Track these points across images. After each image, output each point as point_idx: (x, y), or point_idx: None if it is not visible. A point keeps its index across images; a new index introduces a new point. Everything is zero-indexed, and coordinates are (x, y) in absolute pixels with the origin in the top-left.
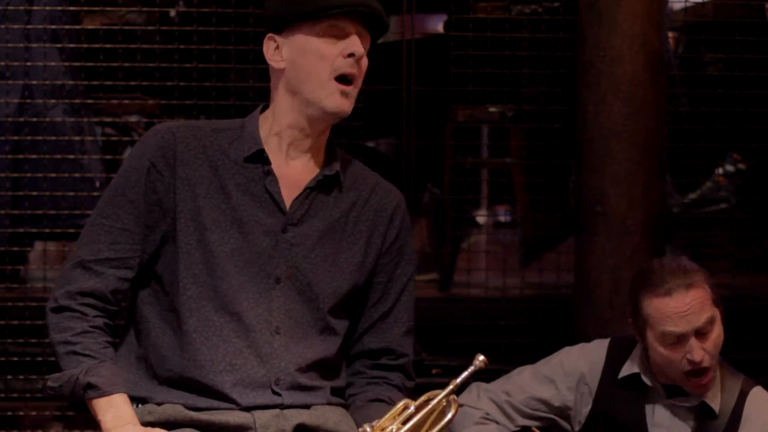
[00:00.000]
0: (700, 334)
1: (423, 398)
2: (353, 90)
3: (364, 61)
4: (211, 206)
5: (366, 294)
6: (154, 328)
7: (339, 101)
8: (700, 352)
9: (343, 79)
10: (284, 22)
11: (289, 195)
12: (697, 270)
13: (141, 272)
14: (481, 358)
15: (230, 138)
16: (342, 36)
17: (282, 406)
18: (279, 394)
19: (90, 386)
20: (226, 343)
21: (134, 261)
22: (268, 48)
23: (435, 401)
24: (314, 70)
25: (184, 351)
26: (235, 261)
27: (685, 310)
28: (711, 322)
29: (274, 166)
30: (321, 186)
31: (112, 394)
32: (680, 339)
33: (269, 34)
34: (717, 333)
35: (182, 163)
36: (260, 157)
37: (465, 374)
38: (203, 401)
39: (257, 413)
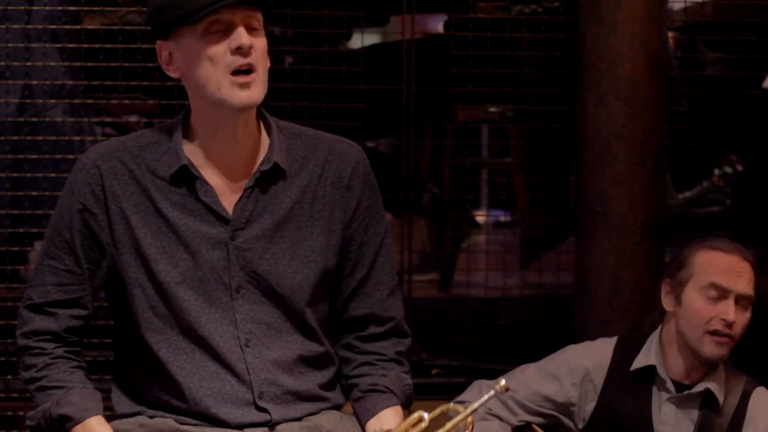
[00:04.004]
0: (738, 304)
1: (437, 412)
2: (255, 76)
3: (259, 43)
4: (152, 234)
5: (341, 266)
6: (133, 356)
7: (241, 95)
8: (734, 312)
9: (239, 72)
10: (166, 28)
11: (229, 200)
12: (752, 255)
13: (110, 303)
14: (503, 383)
15: (158, 153)
16: (226, 30)
17: (270, 423)
18: (266, 410)
19: (63, 418)
20: (201, 368)
21: (85, 299)
22: (161, 58)
23: (451, 424)
24: (207, 74)
25: (164, 381)
26: (188, 284)
27: (738, 270)
28: (749, 300)
29: (206, 174)
30: (262, 182)
31: (85, 419)
32: (722, 295)
33: (158, 42)
34: (748, 316)
35: (113, 197)
36: (187, 172)
37: (485, 398)
38: (194, 422)
39: (248, 430)
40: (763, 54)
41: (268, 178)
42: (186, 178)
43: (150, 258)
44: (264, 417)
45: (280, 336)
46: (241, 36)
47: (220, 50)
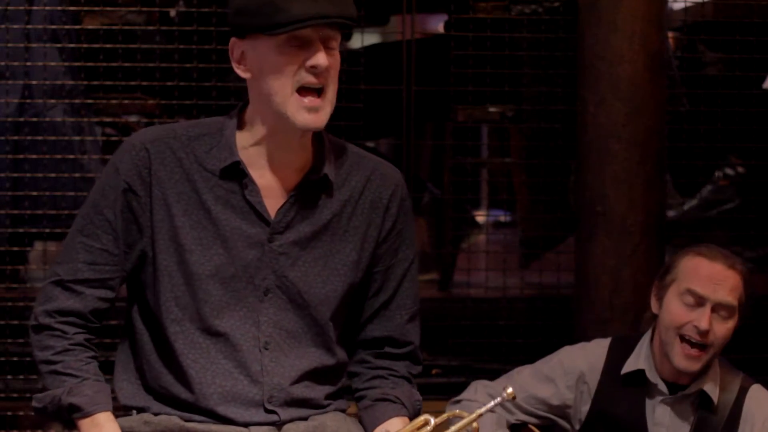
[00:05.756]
0: (717, 313)
1: (444, 417)
2: (322, 101)
3: (333, 63)
4: (191, 224)
5: (366, 285)
6: (146, 343)
7: (306, 118)
8: (707, 322)
9: (308, 89)
10: (245, 30)
11: (273, 203)
12: (742, 264)
13: (130, 286)
14: (509, 390)
15: (207, 146)
16: (304, 45)
17: (278, 423)
18: (274, 412)
19: (73, 407)
20: (215, 364)
21: (114, 281)
22: (233, 55)
23: (456, 426)
24: (276, 84)
25: (176, 373)
26: (218, 279)
27: (718, 279)
28: (731, 310)
29: (254, 174)
30: (307, 191)
31: (95, 413)
32: (698, 303)
33: (233, 39)
34: (729, 326)
35: (158, 182)
36: (236, 169)
37: (491, 404)
38: (199, 418)
39: (254, 428)
40: (763, 54)
41: (315, 188)
42: (235, 174)
43: (186, 247)
44: (272, 418)
45: (299, 345)
46: (319, 56)
47: (294, 65)
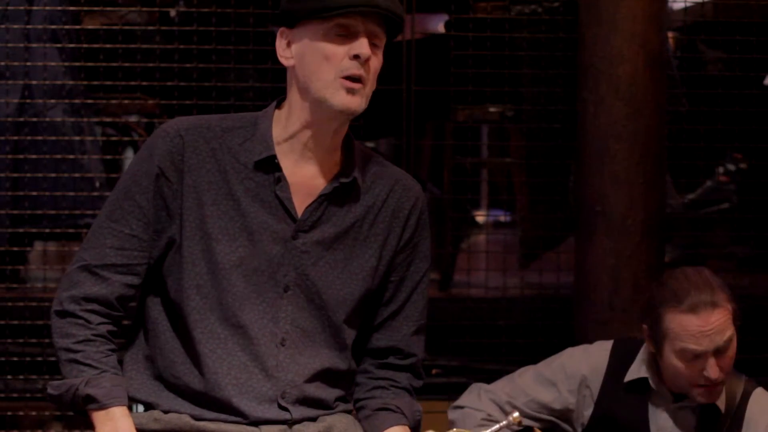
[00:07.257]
0: (719, 352)
1: None
2: (362, 88)
3: (374, 61)
4: (219, 214)
5: (379, 293)
6: (162, 331)
7: (345, 99)
8: (716, 370)
9: (349, 78)
10: (294, 18)
11: (301, 201)
12: (721, 287)
13: (150, 273)
14: (515, 414)
15: (241, 138)
16: (350, 35)
17: (290, 422)
18: (286, 409)
19: (89, 398)
20: (231, 356)
21: (141, 268)
22: (280, 44)
23: None
24: (319, 69)
25: (191, 362)
26: (242, 271)
27: (708, 329)
28: (730, 340)
29: (286, 171)
30: (337, 192)
31: (111, 407)
32: (699, 356)
33: (281, 29)
34: (733, 349)
35: (190, 170)
36: (271, 163)
37: (496, 427)
38: (210, 413)
39: (265, 428)
40: (763, 54)
41: (343, 190)
42: (267, 168)
43: (212, 236)
44: (284, 415)
45: (314, 345)
46: (362, 45)
47: (338, 52)
